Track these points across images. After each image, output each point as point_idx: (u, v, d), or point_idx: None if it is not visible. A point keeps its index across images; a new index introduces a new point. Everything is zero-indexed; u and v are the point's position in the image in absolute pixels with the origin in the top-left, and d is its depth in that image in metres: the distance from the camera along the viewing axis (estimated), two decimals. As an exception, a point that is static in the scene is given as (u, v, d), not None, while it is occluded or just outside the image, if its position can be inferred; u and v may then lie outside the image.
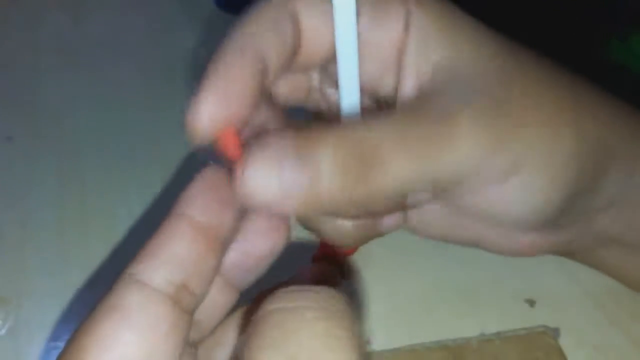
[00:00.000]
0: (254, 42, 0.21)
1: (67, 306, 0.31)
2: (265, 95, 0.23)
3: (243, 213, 0.20)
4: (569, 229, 0.27)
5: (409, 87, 0.23)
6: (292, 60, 0.23)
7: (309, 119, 0.26)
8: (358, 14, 0.22)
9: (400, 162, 0.21)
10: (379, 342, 0.29)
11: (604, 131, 0.25)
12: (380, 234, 0.25)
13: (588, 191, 0.25)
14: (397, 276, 0.32)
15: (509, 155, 0.22)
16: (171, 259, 0.18)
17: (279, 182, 0.19)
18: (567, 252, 0.30)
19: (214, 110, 0.20)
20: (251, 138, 0.20)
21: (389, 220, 0.25)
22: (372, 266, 0.32)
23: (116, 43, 0.50)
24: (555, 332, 0.30)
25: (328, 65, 0.24)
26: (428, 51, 0.23)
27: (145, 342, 0.17)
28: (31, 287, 0.32)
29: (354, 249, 0.27)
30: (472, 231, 0.27)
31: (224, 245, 0.20)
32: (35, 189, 0.37)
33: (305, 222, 0.25)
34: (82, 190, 0.37)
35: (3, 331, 0.30)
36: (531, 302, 0.31)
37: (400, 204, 0.23)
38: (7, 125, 0.41)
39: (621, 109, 0.26)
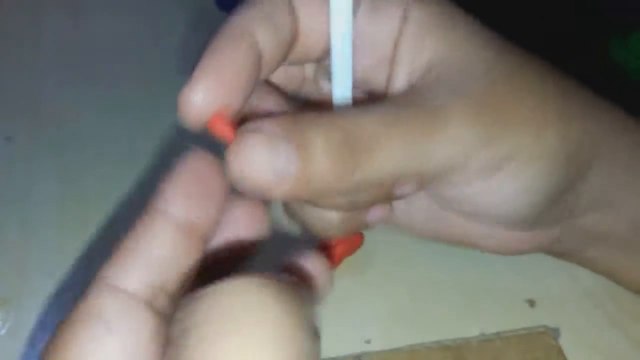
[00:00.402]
0: (249, 31, 0.21)
1: (68, 307, 0.31)
2: (263, 83, 0.23)
3: (226, 204, 0.20)
4: (554, 228, 0.27)
5: (400, 81, 0.24)
6: (288, 52, 0.23)
7: (301, 107, 0.27)
8: (357, 5, 0.22)
9: (390, 149, 0.21)
10: (379, 342, 0.29)
11: (588, 129, 0.25)
12: (366, 227, 0.25)
13: (572, 188, 0.25)
14: (397, 276, 0.32)
15: (496, 149, 0.22)
16: (148, 261, 0.17)
17: (272, 164, 0.19)
18: (555, 252, 0.30)
19: (207, 94, 0.20)
20: (246, 123, 0.20)
21: (374, 213, 0.25)
22: (372, 266, 0.32)
23: (116, 43, 0.50)
24: (555, 332, 0.30)
25: (323, 59, 0.24)
26: (423, 46, 0.23)
27: (128, 351, 0.16)
28: (31, 287, 0.32)
29: (358, 240, 0.27)
30: (458, 227, 0.27)
31: (204, 241, 0.19)
32: (35, 189, 0.37)
33: (291, 212, 0.25)
34: (82, 190, 0.37)
35: (3, 331, 0.30)
36: (531, 302, 0.31)
37: (387, 195, 0.23)
38: (7, 125, 0.41)
39: (607, 107, 0.27)
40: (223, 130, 0.20)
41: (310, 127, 0.20)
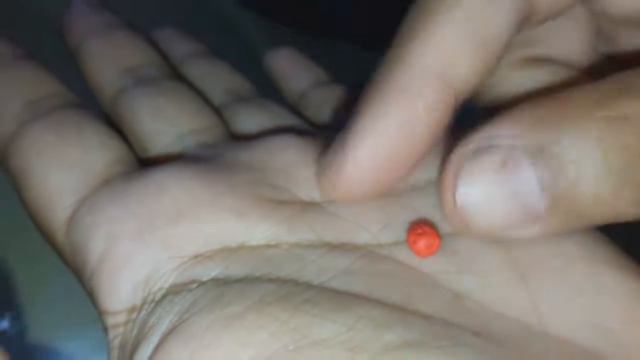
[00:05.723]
0: (444, 51, 0.14)
1: (75, 308, 0.30)
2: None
3: None
4: None
5: None
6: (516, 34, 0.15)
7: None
8: None
9: None
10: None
11: None
12: None
13: None
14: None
15: None
16: None
17: (508, 194, 0.13)
18: None
19: (376, 165, 0.14)
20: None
21: None
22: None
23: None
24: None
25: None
26: None
27: None
28: (42, 289, 0.31)
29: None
30: None
31: None
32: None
33: None
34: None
35: (14, 332, 0.29)
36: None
37: None
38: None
39: None
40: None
41: (558, 126, 0.13)
